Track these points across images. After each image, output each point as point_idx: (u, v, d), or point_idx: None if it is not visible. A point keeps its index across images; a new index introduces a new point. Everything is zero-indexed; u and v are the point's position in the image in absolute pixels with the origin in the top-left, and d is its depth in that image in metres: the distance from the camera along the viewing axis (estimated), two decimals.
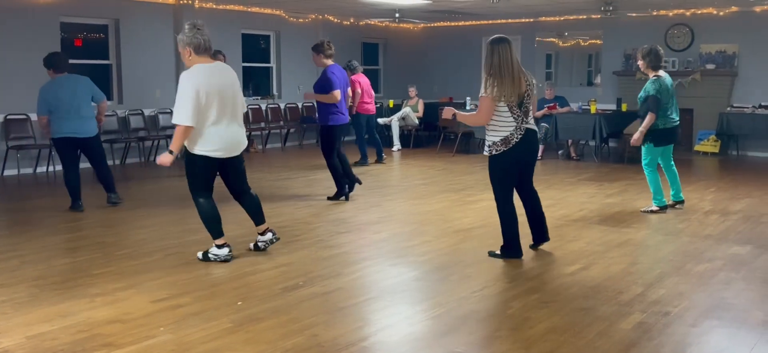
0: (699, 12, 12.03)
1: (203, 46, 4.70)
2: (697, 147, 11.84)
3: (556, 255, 5.17)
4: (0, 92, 9.24)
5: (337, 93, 7.09)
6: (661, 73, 6.48)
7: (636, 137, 6.51)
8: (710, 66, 11.96)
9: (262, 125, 12.52)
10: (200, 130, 4.68)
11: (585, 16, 13.09)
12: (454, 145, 11.85)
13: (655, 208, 6.65)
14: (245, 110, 5.06)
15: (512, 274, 4.70)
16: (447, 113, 5.16)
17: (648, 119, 6.36)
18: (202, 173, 4.84)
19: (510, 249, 5.02)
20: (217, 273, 4.69)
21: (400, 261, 5.08)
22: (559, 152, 11.41)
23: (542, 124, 11.24)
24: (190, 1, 11.19)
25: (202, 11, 11.50)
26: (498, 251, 5.08)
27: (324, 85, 7.12)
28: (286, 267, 4.84)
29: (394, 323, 3.83)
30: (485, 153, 4.94)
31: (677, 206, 6.86)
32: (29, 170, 9.60)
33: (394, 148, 12.33)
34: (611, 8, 11.16)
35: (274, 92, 13.23)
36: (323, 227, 6.20)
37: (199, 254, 5.02)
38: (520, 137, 4.77)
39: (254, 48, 13.15)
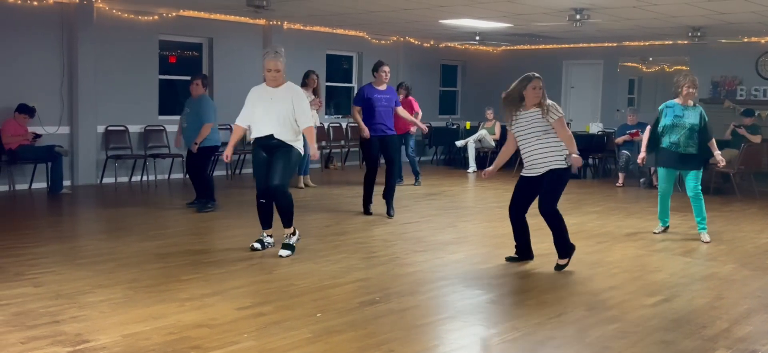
0: None
1: None
2: None
3: (637, 285, 5.07)
4: (101, 105, 9.86)
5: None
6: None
7: (723, 163, 7.07)
8: None
9: (342, 142, 12.80)
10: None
11: (671, 42, 12.74)
12: None
13: (705, 236, 6.87)
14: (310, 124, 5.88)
15: (590, 302, 4.64)
16: (576, 162, 5.24)
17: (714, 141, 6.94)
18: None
19: (572, 248, 5.49)
20: (297, 285, 4.86)
21: (475, 283, 5.11)
22: (641, 180, 11.09)
23: (623, 151, 11.00)
24: (279, 23, 11.62)
25: (290, 32, 11.92)
26: (562, 262, 5.44)
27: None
28: (364, 283, 4.96)
29: (469, 344, 3.87)
30: (563, 165, 5.30)
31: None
32: (125, 179, 10.17)
33: (470, 169, 12.37)
34: (699, 34, 10.83)
35: None
36: (400, 245, 6.30)
37: (283, 253, 5.70)
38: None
39: (337, 68, 13.50)
